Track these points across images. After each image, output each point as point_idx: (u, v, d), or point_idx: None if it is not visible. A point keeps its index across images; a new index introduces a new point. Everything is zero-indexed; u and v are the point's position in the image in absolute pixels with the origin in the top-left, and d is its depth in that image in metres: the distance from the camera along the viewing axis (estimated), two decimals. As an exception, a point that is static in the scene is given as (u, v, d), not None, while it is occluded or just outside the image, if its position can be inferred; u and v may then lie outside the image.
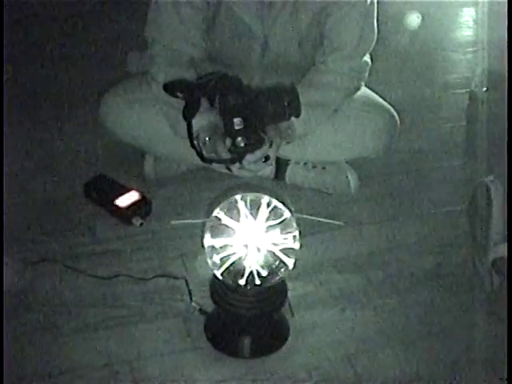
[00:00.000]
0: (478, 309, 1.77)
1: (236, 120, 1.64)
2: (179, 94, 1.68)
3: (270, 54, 1.99)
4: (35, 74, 2.67)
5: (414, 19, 3.20)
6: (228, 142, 1.70)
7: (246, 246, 1.51)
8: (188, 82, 1.76)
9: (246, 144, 1.69)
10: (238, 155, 1.72)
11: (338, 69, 1.96)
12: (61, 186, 2.13)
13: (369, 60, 2.02)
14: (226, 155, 1.74)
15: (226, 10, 1.91)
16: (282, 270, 1.53)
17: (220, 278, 1.53)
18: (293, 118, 1.83)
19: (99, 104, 2.08)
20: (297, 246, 1.51)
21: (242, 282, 1.53)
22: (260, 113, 1.67)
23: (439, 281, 1.85)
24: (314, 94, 1.94)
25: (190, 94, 1.67)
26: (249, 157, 1.74)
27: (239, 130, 1.66)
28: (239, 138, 1.67)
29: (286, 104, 1.67)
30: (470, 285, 1.83)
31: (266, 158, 1.79)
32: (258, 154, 1.75)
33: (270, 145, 1.79)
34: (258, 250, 1.51)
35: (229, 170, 1.84)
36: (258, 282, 1.52)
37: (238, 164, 1.77)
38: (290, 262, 1.52)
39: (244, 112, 1.65)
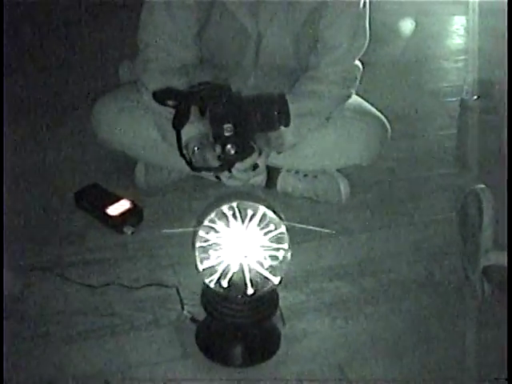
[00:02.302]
0: (470, 316, 1.77)
1: (226, 126, 1.64)
2: (169, 103, 1.68)
3: (264, 53, 2.00)
4: (27, 83, 2.67)
5: (407, 25, 3.21)
6: (218, 149, 1.70)
7: (237, 254, 1.51)
8: (178, 90, 1.76)
9: (235, 152, 1.68)
10: (227, 163, 1.72)
11: (330, 74, 1.97)
12: (52, 194, 2.12)
13: (360, 65, 2.02)
14: (215, 163, 1.74)
15: (219, 9, 1.91)
16: (274, 277, 1.53)
17: (211, 286, 1.53)
18: (283, 128, 1.83)
19: (90, 112, 2.08)
20: (288, 254, 1.51)
21: (232, 290, 1.53)
22: (250, 121, 1.67)
23: (430, 289, 1.85)
24: (305, 103, 1.94)
25: (179, 103, 1.67)
26: (238, 165, 1.74)
27: (229, 136, 1.65)
28: (229, 146, 1.67)
29: (275, 113, 1.67)
30: (461, 293, 1.83)
31: (255, 167, 1.79)
32: (248, 162, 1.75)
33: (260, 153, 1.79)
34: (249, 258, 1.51)
35: (218, 178, 1.84)
36: (249, 290, 1.52)
37: (227, 173, 1.77)
38: (280, 271, 1.52)
39: (234, 119, 1.65)
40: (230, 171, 1.76)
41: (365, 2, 1.94)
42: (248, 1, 1.91)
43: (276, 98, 1.70)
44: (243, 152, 1.71)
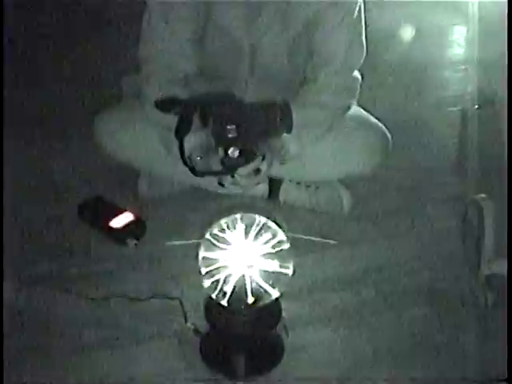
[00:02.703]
0: (472, 325, 1.78)
1: (229, 127, 1.64)
2: (171, 111, 1.69)
3: (258, 67, 2.00)
4: (30, 94, 2.67)
5: (406, 35, 3.22)
6: (221, 151, 1.71)
7: (240, 266, 1.52)
8: (180, 99, 1.77)
9: (238, 156, 1.69)
10: (230, 167, 1.72)
11: (329, 86, 1.97)
12: (55, 206, 2.13)
13: (359, 76, 2.03)
14: (218, 168, 1.74)
15: (213, 23, 1.92)
16: (276, 289, 1.53)
17: (214, 298, 1.54)
18: (286, 138, 1.84)
19: (94, 124, 2.09)
20: (290, 265, 1.52)
21: (235, 302, 1.53)
22: (252, 125, 1.67)
23: (433, 298, 1.85)
24: (306, 113, 1.94)
25: (182, 111, 1.68)
26: (241, 170, 1.74)
27: (232, 139, 1.65)
28: (232, 149, 1.67)
29: (278, 118, 1.68)
30: (464, 301, 1.83)
31: (258, 172, 1.79)
32: (251, 167, 1.76)
33: (263, 158, 1.79)
34: (252, 270, 1.52)
35: (221, 185, 1.85)
36: (249, 299, 1.52)
37: (230, 179, 1.78)
38: (283, 282, 1.52)
39: (237, 122, 1.65)
40: (232, 176, 1.76)
41: (360, 15, 1.95)
42: (240, 15, 1.92)
43: (278, 103, 1.70)
44: (246, 156, 1.71)
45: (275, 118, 1.67)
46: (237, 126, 1.63)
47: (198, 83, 1.98)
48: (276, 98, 1.75)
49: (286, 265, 1.51)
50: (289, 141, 1.89)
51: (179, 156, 1.75)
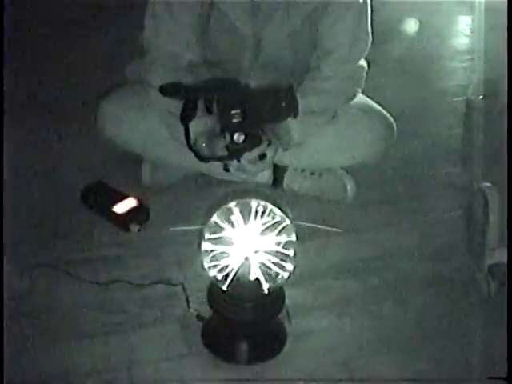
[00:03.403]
0: (475, 314, 1.77)
1: (234, 112, 1.63)
2: (176, 96, 1.69)
3: (263, 56, 2.00)
4: (33, 80, 2.67)
5: (411, 24, 3.21)
6: (226, 137, 1.70)
7: (244, 252, 1.52)
8: (185, 84, 1.77)
9: (244, 141, 1.68)
10: (236, 152, 1.72)
11: (333, 74, 1.97)
12: (58, 192, 2.13)
13: (365, 64, 2.02)
14: (223, 153, 1.74)
15: (217, 12, 1.92)
16: (280, 276, 1.53)
17: (217, 284, 1.53)
18: (291, 124, 1.84)
19: (97, 110, 2.08)
20: (294, 251, 1.51)
21: (238, 288, 1.53)
22: (258, 110, 1.66)
23: (436, 286, 1.85)
24: (311, 100, 1.94)
25: (186, 96, 1.67)
26: (247, 155, 1.74)
27: (237, 124, 1.64)
28: (237, 134, 1.67)
29: (283, 103, 1.67)
30: (467, 290, 1.83)
31: (263, 156, 1.78)
32: (256, 152, 1.75)
33: (269, 144, 1.79)
34: (256, 256, 1.52)
35: (226, 170, 1.84)
36: (255, 288, 1.52)
37: (235, 164, 1.77)
38: (288, 268, 1.52)
39: (242, 107, 1.64)
40: (238, 161, 1.75)
41: (365, 2, 1.94)
42: (243, 3, 1.91)
43: (284, 88, 1.69)
44: (251, 141, 1.71)
45: (280, 102, 1.66)
46: (242, 111, 1.63)
47: (202, 71, 1.98)
48: (281, 83, 1.75)
49: (289, 251, 1.51)
50: (293, 127, 1.88)
51: (184, 142, 1.75)
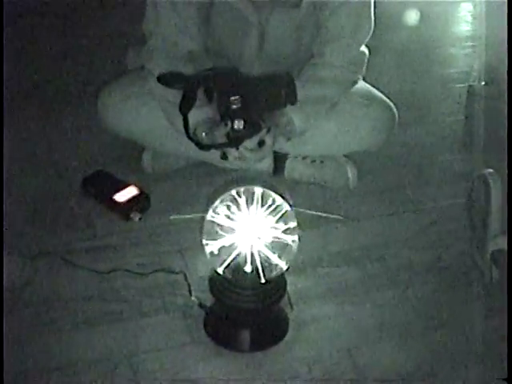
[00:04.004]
0: (477, 301, 1.77)
1: (233, 98, 1.62)
2: (175, 85, 1.68)
3: (267, 44, 1.99)
4: (33, 70, 2.66)
5: (413, 15, 3.20)
6: (226, 124, 1.69)
7: (246, 239, 1.51)
8: (183, 74, 1.76)
9: (243, 128, 1.67)
10: (235, 139, 1.71)
11: (336, 60, 1.96)
12: (59, 181, 2.12)
13: (366, 51, 2.02)
14: (223, 141, 1.73)
15: (221, 1, 1.90)
16: (283, 262, 1.53)
17: (219, 272, 1.53)
18: (292, 113, 1.83)
19: (97, 99, 2.08)
20: (296, 238, 1.51)
21: (240, 276, 1.53)
22: (257, 98, 1.66)
23: (438, 274, 1.85)
24: (312, 88, 1.94)
25: (186, 86, 1.67)
26: (246, 143, 1.73)
27: (236, 110, 1.64)
28: (237, 121, 1.66)
29: (282, 90, 1.66)
30: (469, 278, 1.83)
31: (262, 143, 1.77)
32: (255, 140, 1.74)
33: (268, 131, 1.78)
34: (257, 243, 1.51)
35: (224, 158, 1.83)
36: (258, 275, 1.52)
37: (235, 152, 1.76)
38: (289, 256, 1.52)
39: (241, 94, 1.63)
40: (237, 148, 1.75)
41: None
42: None
43: (283, 76, 1.69)
44: (251, 128, 1.70)
45: (279, 89, 1.66)
46: (241, 97, 1.63)
47: (204, 60, 1.97)
48: (280, 71, 1.75)
49: (291, 238, 1.51)
50: (296, 116, 1.88)
51: (184, 131, 1.74)
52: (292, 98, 1.69)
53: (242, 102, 1.62)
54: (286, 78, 1.69)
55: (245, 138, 1.72)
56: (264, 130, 1.76)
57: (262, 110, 1.72)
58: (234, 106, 1.63)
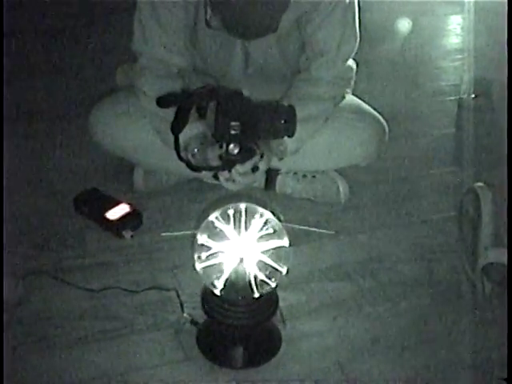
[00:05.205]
0: (470, 315, 1.78)
1: (234, 124, 1.62)
2: (174, 106, 1.68)
3: (252, 62, 2.00)
4: (23, 89, 2.66)
5: (404, 25, 3.21)
6: (221, 147, 1.69)
7: (237, 256, 1.51)
8: (179, 93, 1.76)
9: (238, 153, 1.67)
10: (228, 163, 1.71)
11: (322, 76, 1.96)
12: (51, 199, 2.12)
13: (354, 65, 2.02)
14: (215, 162, 1.73)
15: (204, 18, 1.91)
16: (274, 279, 1.53)
17: (211, 289, 1.53)
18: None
19: (88, 117, 2.08)
20: (287, 255, 1.51)
21: (232, 292, 1.53)
22: (255, 126, 1.66)
23: (430, 288, 1.86)
24: (303, 107, 1.92)
25: (179, 106, 1.66)
26: (238, 167, 1.73)
27: (234, 135, 1.64)
28: (232, 145, 1.66)
29: (282, 122, 1.66)
30: (461, 291, 1.83)
31: (255, 169, 1.77)
32: (248, 165, 1.74)
33: (261, 157, 1.78)
34: (249, 260, 1.52)
35: (216, 178, 1.83)
36: (249, 292, 1.52)
37: (226, 175, 1.76)
38: (281, 271, 1.52)
39: (241, 118, 1.63)
40: (230, 171, 1.75)
41: (352, 2, 1.93)
42: None
43: (285, 107, 1.69)
44: (245, 153, 1.70)
45: (279, 121, 1.65)
46: (241, 124, 1.62)
47: (193, 78, 1.98)
48: (283, 102, 1.74)
49: (282, 254, 1.51)
50: (288, 139, 1.88)
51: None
52: (291, 132, 1.68)
53: (241, 127, 1.62)
54: (287, 110, 1.68)
55: (237, 162, 1.71)
56: (257, 156, 1.75)
57: (259, 137, 1.72)
58: (233, 132, 1.63)
